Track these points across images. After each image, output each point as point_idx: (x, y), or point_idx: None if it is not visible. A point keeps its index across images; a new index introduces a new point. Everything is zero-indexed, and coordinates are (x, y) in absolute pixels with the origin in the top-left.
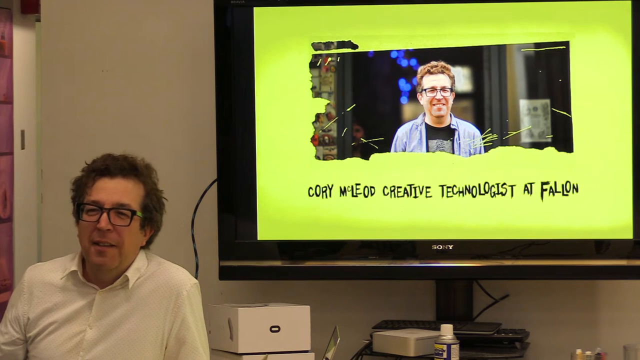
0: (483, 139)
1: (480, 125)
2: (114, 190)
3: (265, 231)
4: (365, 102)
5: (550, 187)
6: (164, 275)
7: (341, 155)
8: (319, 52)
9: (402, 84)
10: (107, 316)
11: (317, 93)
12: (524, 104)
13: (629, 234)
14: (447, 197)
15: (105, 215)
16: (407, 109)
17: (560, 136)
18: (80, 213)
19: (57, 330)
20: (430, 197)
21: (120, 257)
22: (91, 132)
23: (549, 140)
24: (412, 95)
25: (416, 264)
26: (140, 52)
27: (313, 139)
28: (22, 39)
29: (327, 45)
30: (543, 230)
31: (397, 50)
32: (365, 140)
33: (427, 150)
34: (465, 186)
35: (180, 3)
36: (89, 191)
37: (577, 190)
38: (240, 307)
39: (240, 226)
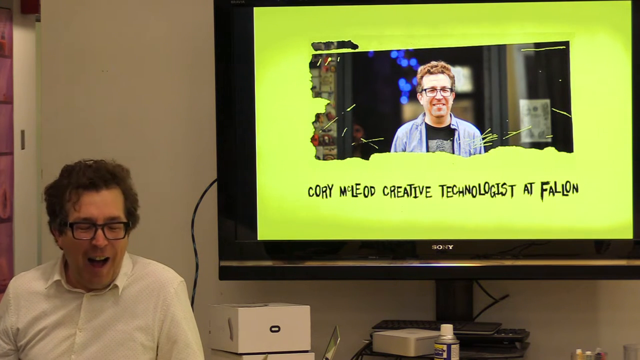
0: (483, 139)
1: (480, 125)
2: (103, 203)
3: (265, 231)
4: (365, 102)
5: (550, 187)
6: (151, 275)
7: (341, 155)
8: (319, 52)
9: (402, 84)
10: (96, 318)
11: (317, 93)
12: (524, 104)
13: (629, 234)
14: (447, 197)
15: (100, 231)
16: (407, 109)
17: (560, 136)
18: (72, 231)
19: (48, 336)
20: (430, 197)
21: (114, 266)
22: (91, 132)
23: (549, 140)
24: (412, 95)
25: (416, 264)
26: (140, 52)
27: (313, 139)
28: (22, 39)
29: (327, 45)
30: (543, 230)
31: (397, 50)
32: (365, 140)
33: (427, 150)
34: (465, 186)
35: (180, 3)
36: (77, 207)
37: (577, 190)
38: (240, 307)
39: (240, 226)
